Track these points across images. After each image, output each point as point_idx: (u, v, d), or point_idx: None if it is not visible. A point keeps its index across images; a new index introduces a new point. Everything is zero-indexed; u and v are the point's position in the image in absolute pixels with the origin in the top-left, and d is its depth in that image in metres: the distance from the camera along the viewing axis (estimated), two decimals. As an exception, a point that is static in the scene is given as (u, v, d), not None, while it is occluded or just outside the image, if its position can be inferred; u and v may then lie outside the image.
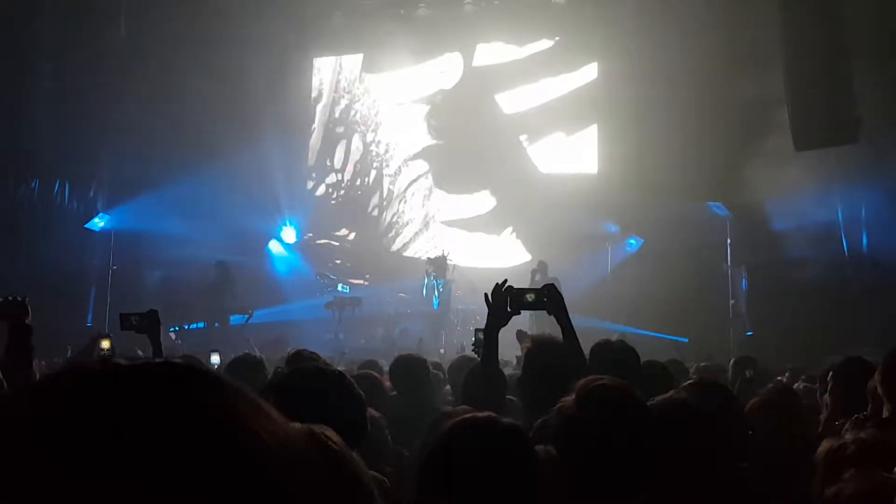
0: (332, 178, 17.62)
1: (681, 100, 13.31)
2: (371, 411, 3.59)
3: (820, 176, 11.35)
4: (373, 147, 17.55)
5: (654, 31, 13.97)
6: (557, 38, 16.22)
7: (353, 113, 17.73)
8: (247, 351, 6.77)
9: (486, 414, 1.75)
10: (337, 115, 17.82)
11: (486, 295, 3.36)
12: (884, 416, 2.49)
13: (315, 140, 17.78)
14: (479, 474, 1.65)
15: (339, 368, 3.11)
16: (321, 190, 17.57)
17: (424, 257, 15.34)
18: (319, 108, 17.84)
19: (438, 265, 14.61)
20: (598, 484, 1.78)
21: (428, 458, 1.72)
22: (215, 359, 6.81)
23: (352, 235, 16.93)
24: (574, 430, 1.84)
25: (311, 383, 2.12)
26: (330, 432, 1.31)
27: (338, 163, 17.66)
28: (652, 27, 14.04)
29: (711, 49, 12.86)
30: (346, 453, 1.33)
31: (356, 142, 17.65)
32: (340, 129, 17.76)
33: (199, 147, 14.46)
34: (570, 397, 1.90)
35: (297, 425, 0.88)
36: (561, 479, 1.81)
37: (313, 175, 17.65)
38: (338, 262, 16.51)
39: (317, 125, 17.80)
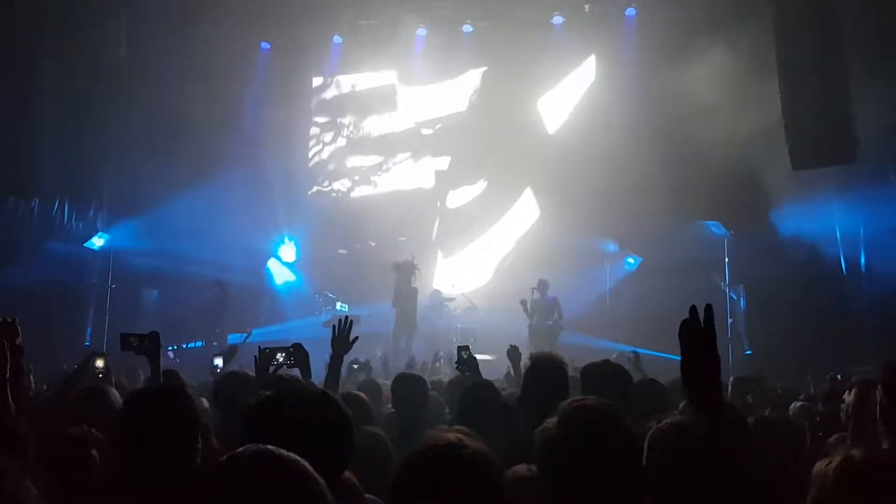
0: (331, 193, 17.66)
1: (678, 121, 13.33)
2: (375, 429, 3.59)
3: (817, 194, 11.36)
4: (372, 160, 17.62)
5: (652, 57, 14.06)
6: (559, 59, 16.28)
7: (351, 128, 17.81)
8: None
9: (454, 437, 1.73)
10: (336, 130, 17.90)
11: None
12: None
13: (314, 155, 17.84)
14: (437, 500, 1.65)
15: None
16: (321, 205, 17.55)
17: (391, 262, 13.99)
18: (319, 124, 17.94)
19: (403, 270, 13.58)
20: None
21: (392, 482, 1.73)
22: (218, 361, 7.37)
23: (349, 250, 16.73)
24: (555, 451, 1.83)
25: (293, 404, 2.09)
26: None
27: (336, 177, 17.71)
28: (651, 51, 14.15)
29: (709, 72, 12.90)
30: None
31: (355, 156, 17.71)
32: (340, 144, 17.83)
33: (199, 166, 14.49)
34: (554, 418, 1.90)
35: None
36: (543, 498, 1.80)
37: (313, 189, 17.70)
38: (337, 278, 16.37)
39: (316, 141, 17.88)
